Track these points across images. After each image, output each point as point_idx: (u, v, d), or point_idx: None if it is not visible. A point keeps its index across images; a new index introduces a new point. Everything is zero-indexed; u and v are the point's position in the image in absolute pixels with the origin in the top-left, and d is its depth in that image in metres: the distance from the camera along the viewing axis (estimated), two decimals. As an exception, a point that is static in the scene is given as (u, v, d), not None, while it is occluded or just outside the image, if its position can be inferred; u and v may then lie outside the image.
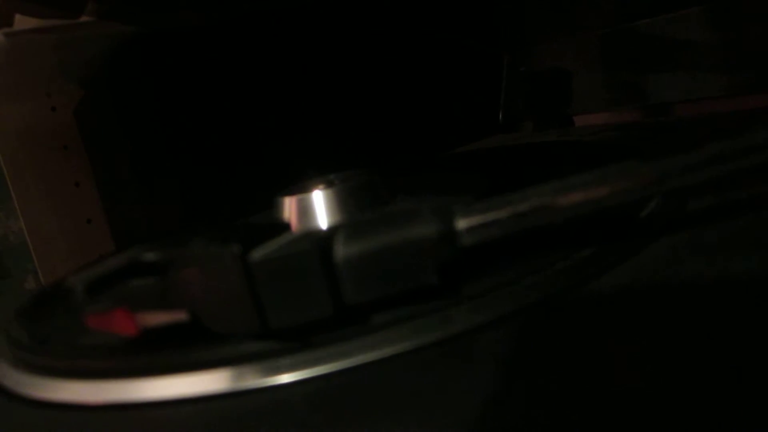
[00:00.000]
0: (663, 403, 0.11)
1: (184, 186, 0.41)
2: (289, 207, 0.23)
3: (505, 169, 0.34)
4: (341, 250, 0.15)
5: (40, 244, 0.43)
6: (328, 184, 0.23)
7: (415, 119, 0.47)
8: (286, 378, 0.15)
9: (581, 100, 0.44)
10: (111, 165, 0.43)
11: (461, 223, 0.15)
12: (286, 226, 0.16)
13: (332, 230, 0.15)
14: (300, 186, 0.24)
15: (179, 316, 0.16)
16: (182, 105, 0.40)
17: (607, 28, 0.42)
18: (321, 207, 0.23)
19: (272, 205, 0.24)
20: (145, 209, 0.42)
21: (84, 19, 0.34)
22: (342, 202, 0.23)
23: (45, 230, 0.43)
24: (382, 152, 0.43)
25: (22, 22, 0.33)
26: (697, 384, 0.12)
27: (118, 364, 0.16)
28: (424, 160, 0.42)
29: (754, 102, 0.38)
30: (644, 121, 0.44)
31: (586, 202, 0.16)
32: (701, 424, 0.11)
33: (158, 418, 0.15)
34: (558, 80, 0.44)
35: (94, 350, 0.18)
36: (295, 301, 0.14)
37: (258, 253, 0.14)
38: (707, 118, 0.38)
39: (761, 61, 0.36)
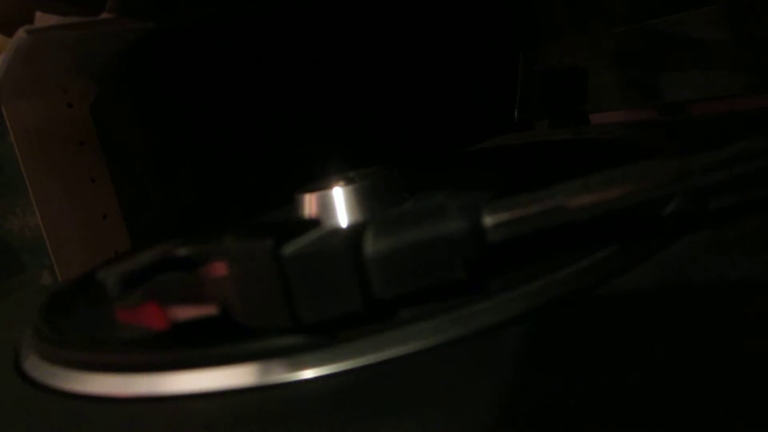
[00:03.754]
0: (685, 401, 0.11)
1: (200, 182, 0.42)
2: (309, 203, 0.23)
3: (522, 167, 0.34)
4: (370, 246, 0.15)
5: (55, 239, 0.43)
6: (348, 181, 0.23)
7: (431, 117, 0.47)
8: (312, 373, 0.15)
9: (596, 98, 0.44)
10: (127, 161, 0.43)
11: (488, 220, 0.16)
12: (315, 223, 0.16)
13: (361, 226, 0.15)
14: (320, 183, 0.24)
15: (209, 310, 0.16)
16: (199, 101, 0.41)
17: (623, 26, 0.42)
18: (341, 203, 0.23)
19: (291, 202, 0.24)
20: (161, 205, 0.42)
21: (103, 16, 0.34)
22: (362, 199, 0.23)
23: (61, 226, 0.43)
24: (400, 150, 0.43)
25: (41, 19, 0.34)
26: (720, 383, 0.12)
27: (147, 358, 0.17)
28: (441, 157, 0.42)
29: (770, 101, 0.38)
30: (660, 119, 0.44)
31: (611, 200, 0.16)
32: (724, 420, 0.11)
33: (186, 411, 0.15)
34: (573, 78, 0.44)
35: (123, 343, 0.18)
36: (325, 295, 0.15)
37: (289, 249, 0.14)
38: (723, 117, 0.38)
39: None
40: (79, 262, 0.43)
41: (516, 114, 0.48)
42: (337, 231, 0.15)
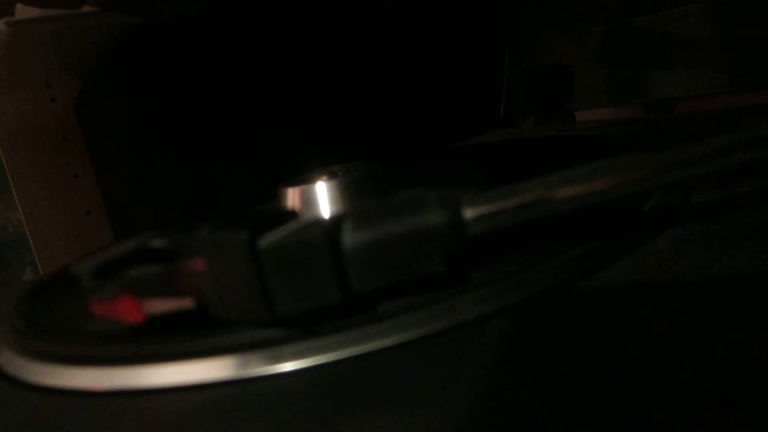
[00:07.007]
0: (666, 395, 0.11)
1: (184, 178, 0.41)
2: (292, 197, 0.23)
3: (507, 163, 0.34)
4: (349, 238, 0.15)
5: (39, 235, 0.42)
6: (331, 176, 0.23)
7: (417, 113, 0.47)
8: (290, 366, 0.15)
9: (582, 96, 0.44)
10: (110, 156, 0.43)
11: (468, 213, 0.15)
12: (293, 214, 0.16)
13: (340, 218, 0.15)
14: (303, 177, 0.24)
15: (185, 303, 0.16)
16: (183, 96, 0.40)
17: (609, 23, 0.42)
18: (324, 198, 0.23)
19: (274, 196, 0.24)
20: (145, 201, 0.42)
21: (85, 9, 0.33)
22: (345, 194, 0.23)
23: (44, 222, 0.42)
24: (385, 146, 0.43)
25: (23, 11, 0.33)
26: (700, 377, 0.12)
27: (123, 351, 0.16)
28: (426, 153, 0.42)
29: (753, 99, 0.38)
30: (645, 117, 0.44)
31: (592, 193, 0.16)
32: (703, 416, 0.11)
33: (162, 405, 0.15)
34: (559, 75, 0.44)
35: (99, 337, 0.18)
36: (302, 288, 0.14)
37: (266, 240, 0.14)
38: (707, 115, 0.38)
39: (761, 59, 0.36)
40: (62, 258, 0.43)
41: (502, 111, 0.48)
42: (315, 223, 0.15)
